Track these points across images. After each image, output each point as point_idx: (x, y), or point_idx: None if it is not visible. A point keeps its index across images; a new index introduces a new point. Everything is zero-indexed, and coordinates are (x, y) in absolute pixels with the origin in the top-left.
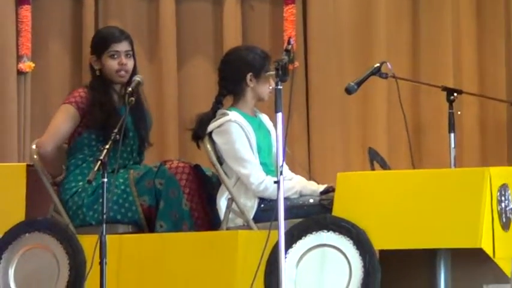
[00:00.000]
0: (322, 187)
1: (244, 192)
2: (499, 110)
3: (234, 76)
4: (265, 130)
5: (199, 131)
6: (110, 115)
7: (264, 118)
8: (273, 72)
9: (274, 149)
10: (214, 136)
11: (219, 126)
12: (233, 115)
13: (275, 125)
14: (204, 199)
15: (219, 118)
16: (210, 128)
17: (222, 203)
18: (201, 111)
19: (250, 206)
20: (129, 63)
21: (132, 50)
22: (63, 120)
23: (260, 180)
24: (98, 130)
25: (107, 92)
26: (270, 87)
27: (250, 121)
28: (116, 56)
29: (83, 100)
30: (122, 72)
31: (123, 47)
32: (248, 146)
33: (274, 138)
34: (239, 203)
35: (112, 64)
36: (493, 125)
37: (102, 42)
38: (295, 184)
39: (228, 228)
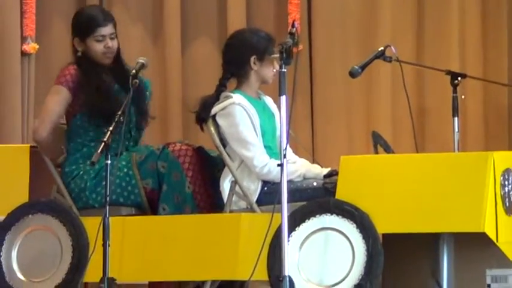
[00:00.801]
0: (325, 170)
1: (247, 175)
2: (502, 94)
3: (237, 59)
4: (270, 113)
5: (203, 114)
6: (105, 98)
7: (268, 101)
8: (277, 55)
9: (278, 132)
10: (218, 119)
11: (223, 109)
12: (237, 98)
13: (279, 108)
14: (207, 182)
15: (223, 101)
16: (213, 110)
17: (225, 186)
18: (205, 93)
19: (254, 189)
20: (114, 45)
21: (115, 30)
22: (55, 103)
23: (264, 163)
24: (92, 112)
25: (97, 72)
26: (274, 70)
27: (254, 104)
28: (101, 40)
29: (74, 78)
30: (108, 54)
31: (108, 30)
32: (252, 129)
33: (278, 121)
34: (242, 186)
35: (98, 47)
36: (496, 109)
37: (87, 26)
38: (298, 167)
39: (231, 211)
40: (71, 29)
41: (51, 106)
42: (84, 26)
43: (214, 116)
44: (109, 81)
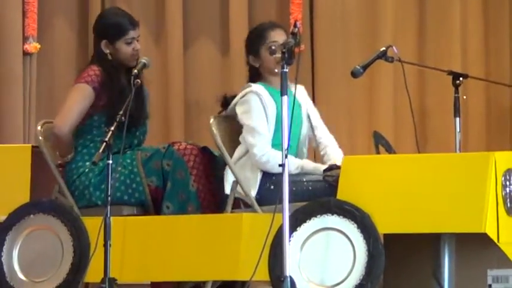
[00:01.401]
0: (324, 166)
1: (250, 166)
2: (503, 95)
3: (247, 52)
4: (296, 103)
5: (228, 99)
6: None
7: (298, 91)
8: (279, 55)
9: (304, 122)
10: (236, 108)
11: (241, 97)
12: (255, 87)
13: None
14: (211, 181)
15: (243, 90)
16: (235, 100)
17: (227, 188)
18: (207, 92)
19: (253, 181)
20: (139, 47)
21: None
22: (79, 100)
23: (263, 151)
24: (113, 114)
25: (119, 76)
26: (274, 56)
27: (274, 94)
28: (131, 42)
29: (98, 79)
30: (135, 57)
31: (137, 33)
32: (263, 118)
33: (304, 112)
34: (243, 186)
35: (127, 50)
36: (497, 110)
37: (118, 29)
38: (297, 160)
39: (236, 199)
40: (96, 32)
41: (75, 103)
42: (115, 28)
43: (216, 117)
44: (125, 84)
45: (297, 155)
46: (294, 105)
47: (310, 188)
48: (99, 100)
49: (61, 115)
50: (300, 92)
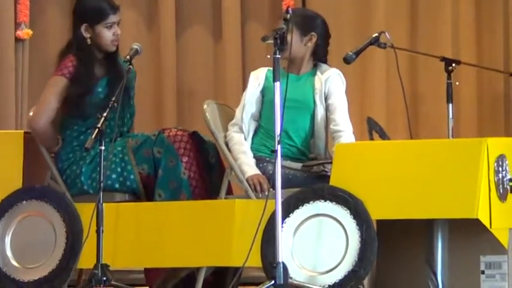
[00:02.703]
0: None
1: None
2: (495, 81)
3: None
4: (304, 86)
5: None
6: (84, 94)
7: (318, 76)
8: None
9: (319, 106)
10: None
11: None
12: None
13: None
14: (202, 167)
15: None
16: None
17: None
18: (200, 79)
19: None
20: (120, 32)
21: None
22: (55, 93)
23: (228, 134)
24: (71, 110)
25: (92, 68)
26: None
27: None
28: (111, 27)
29: (75, 70)
30: (115, 42)
31: (117, 17)
32: (244, 100)
33: (317, 97)
34: (238, 172)
35: (108, 35)
36: (489, 96)
37: (99, 13)
38: (241, 156)
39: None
40: (77, 15)
41: (51, 96)
42: (95, 12)
43: (210, 102)
44: (99, 74)
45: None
46: (305, 88)
47: (290, 176)
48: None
49: (36, 109)
50: (325, 77)
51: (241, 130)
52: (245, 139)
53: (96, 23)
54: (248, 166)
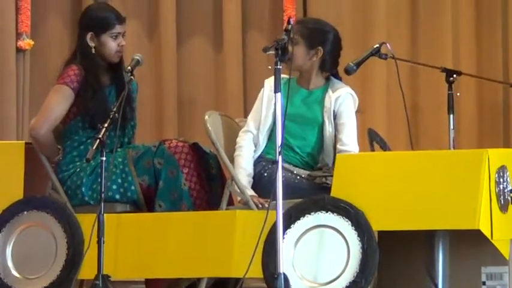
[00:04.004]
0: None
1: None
2: (495, 92)
3: None
4: (314, 103)
5: None
6: (100, 105)
7: (329, 93)
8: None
9: (327, 123)
10: None
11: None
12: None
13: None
14: (203, 178)
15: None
16: None
17: None
18: (200, 89)
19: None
20: (124, 44)
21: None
22: (57, 102)
23: (239, 143)
24: (85, 117)
25: (98, 75)
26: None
27: (287, 88)
28: (116, 37)
29: (78, 79)
30: (119, 53)
31: (123, 28)
32: (259, 109)
33: (326, 115)
34: (239, 183)
35: (113, 45)
36: (489, 107)
37: (105, 22)
38: (243, 176)
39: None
40: (83, 24)
41: (53, 105)
42: (102, 21)
43: (211, 113)
44: (106, 83)
45: (313, 152)
46: (314, 106)
47: (296, 181)
48: (78, 102)
49: (38, 117)
50: (336, 95)
51: (252, 138)
52: (255, 146)
53: (102, 32)
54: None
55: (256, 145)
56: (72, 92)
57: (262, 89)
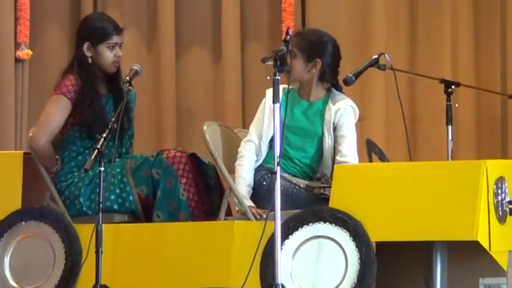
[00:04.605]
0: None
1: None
2: (493, 103)
3: None
4: (314, 116)
5: None
6: (97, 114)
7: (329, 105)
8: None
9: (326, 135)
10: None
11: None
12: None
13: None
14: (201, 188)
15: None
16: None
17: None
18: (199, 99)
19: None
20: (121, 54)
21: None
22: (55, 112)
23: (241, 152)
24: (82, 128)
25: (95, 85)
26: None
27: (287, 100)
28: (113, 48)
29: (75, 89)
30: (116, 64)
31: (120, 39)
32: (261, 118)
33: (326, 127)
34: (237, 193)
35: (109, 55)
36: (487, 118)
37: (102, 32)
38: (242, 186)
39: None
40: (80, 33)
41: (51, 115)
42: (99, 31)
43: (210, 124)
44: (103, 93)
45: (312, 164)
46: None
47: (294, 191)
48: (76, 113)
49: (36, 128)
50: (336, 108)
51: (254, 148)
52: (257, 155)
53: (99, 42)
54: (245, 199)
55: (258, 155)
56: (69, 102)
57: (264, 99)
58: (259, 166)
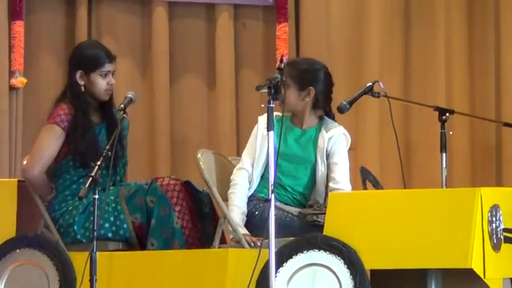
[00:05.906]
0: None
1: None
2: (488, 130)
3: None
4: (307, 143)
5: None
6: (90, 143)
7: (322, 134)
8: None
9: (319, 163)
10: None
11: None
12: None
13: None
14: (195, 216)
15: None
16: None
17: None
18: (193, 127)
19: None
20: (114, 82)
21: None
22: (48, 142)
23: (233, 180)
24: (75, 157)
25: (88, 113)
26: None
27: (279, 127)
28: (105, 76)
29: (68, 118)
30: (109, 91)
31: (113, 67)
32: (254, 145)
33: (319, 155)
34: (232, 221)
35: (102, 83)
36: (482, 146)
37: (95, 60)
38: (236, 214)
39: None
40: (73, 61)
41: (44, 145)
42: (91, 60)
43: (204, 151)
44: (96, 121)
45: (304, 192)
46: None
47: (287, 219)
48: (69, 142)
49: (30, 158)
50: (329, 135)
51: (247, 176)
52: (250, 183)
53: (91, 70)
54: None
55: (250, 182)
56: (62, 131)
57: (256, 126)
58: (250, 196)
